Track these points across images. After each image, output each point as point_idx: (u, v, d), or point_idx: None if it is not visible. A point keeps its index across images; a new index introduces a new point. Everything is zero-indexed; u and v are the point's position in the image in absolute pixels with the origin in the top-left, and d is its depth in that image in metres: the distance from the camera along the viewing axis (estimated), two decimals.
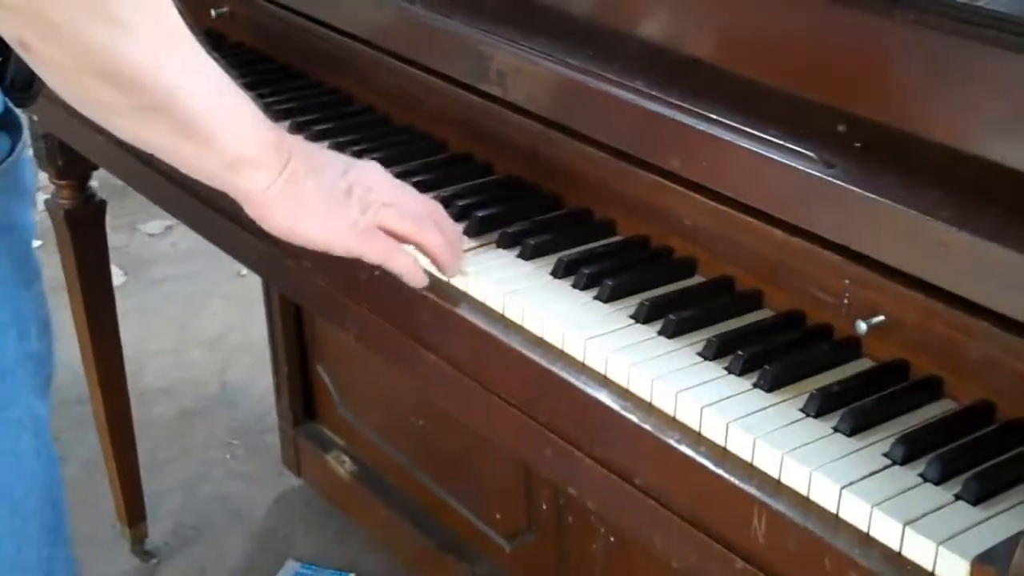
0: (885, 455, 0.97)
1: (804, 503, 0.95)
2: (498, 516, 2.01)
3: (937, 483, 0.93)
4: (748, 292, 1.18)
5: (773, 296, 1.16)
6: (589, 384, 1.09)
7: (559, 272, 1.22)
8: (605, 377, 1.10)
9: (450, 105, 1.44)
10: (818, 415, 1.01)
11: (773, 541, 0.96)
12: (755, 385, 1.05)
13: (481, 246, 1.27)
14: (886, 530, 0.90)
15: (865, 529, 0.91)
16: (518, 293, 1.18)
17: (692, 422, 1.03)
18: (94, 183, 2.08)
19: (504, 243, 1.27)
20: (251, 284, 3.08)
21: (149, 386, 2.91)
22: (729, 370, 1.07)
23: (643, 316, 1.14)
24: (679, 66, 1.24)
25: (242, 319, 3.16)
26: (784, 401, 1.03)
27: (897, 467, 0.95)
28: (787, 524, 0.94)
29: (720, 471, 0.99)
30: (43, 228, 1.87)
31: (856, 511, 0.92)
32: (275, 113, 1.39)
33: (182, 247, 3.54)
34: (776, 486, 0.97)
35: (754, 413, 1.01)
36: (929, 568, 0.87)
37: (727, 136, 1.12)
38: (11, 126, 1.12)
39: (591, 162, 1.28)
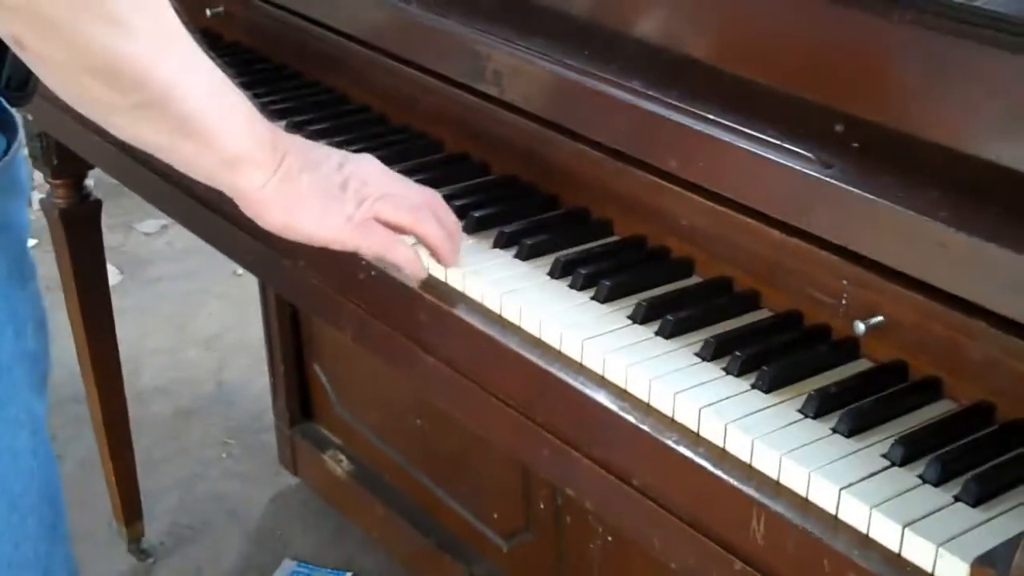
0: (884, 456, 0.96)
1: (803, 504, 0.95)
2: (495, 515, 2.01)
3: (936, 484, 0.93)
4: (746, 292, 1.17)
5: (771, 297, 1.16)
6: (587, 385, 1.09)
7: (556, 272, 1.21)
8: (603, 378, 1.09)
9: (446, 105, 1.43)
10: (816, 416, 1.01)
11: (772, 542, 0.95)
12: (753, 386, 1.05)
13: (477, 246, 1.27)
14: (885, 532, 0.90)
15: (864, 531, 0.91)
16: (515, 293, 1.18)
17: (690, 423, 1.03)
18: (89, 182, 2.08)
19: (501, 243, 1.26)
20: (247, 283, 3.08)
21: (145, 385, 2.91)
22: (727, 371, 1.07)
23: (640, 316, 1.14)
24: (676, 66, 1.24)
25: (238, 318, 3.16)
26: (782, 402, 1.03)
27: (896, 468, 0.95)
28: (786, 525, 0.94)
29: (719, 472, 0.99)
30: (38, 227, 1.87)
31: (855, 512, 0.92)
32: (271, 113, 1.39)
33: (178, 246, 3.53)
34: (775, 487, 0.97)
35: (752, 414, 1.01)
36: (929, 570, 0.87)
37: (724, 136, 1.12)
38: (7, 125, 1.12)
39: (588, 162, 1.28)
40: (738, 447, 0.99)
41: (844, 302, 1.08)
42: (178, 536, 2.46)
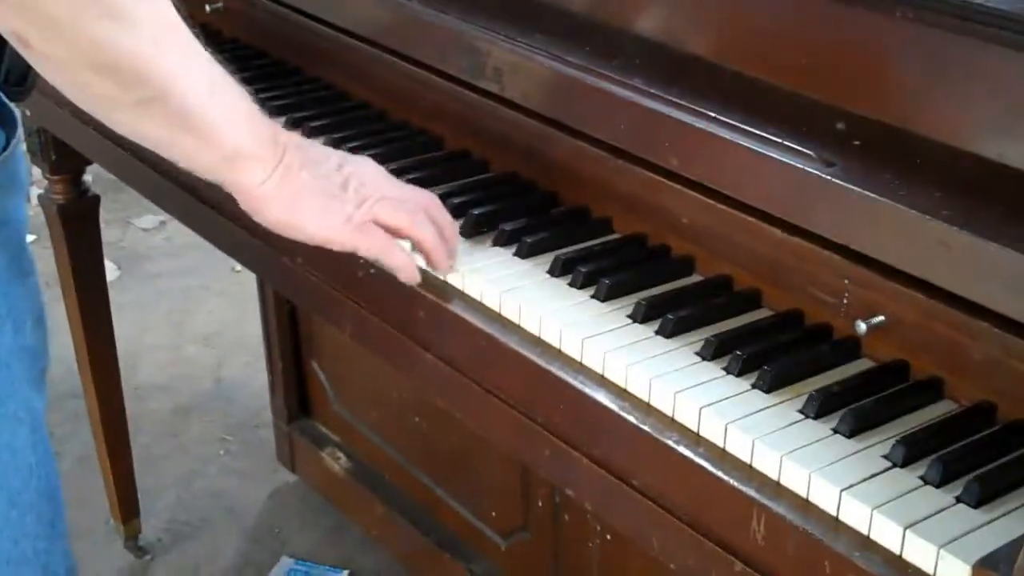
0: (885, 457, 0.96)
1: (804, 505, 0.94)
2: (494, 514, 2.01)
3: (938, 485, 0.93)
4: (746, 291, 1.17)
5: (772, 296, 1.15)
6: (587, 384, 1.09)
7: (556, 270, 1.21)
8: (603, 377, 1.09)
9: (446, 102, 1.43)
10: (817, 416, 1.00)
11: (772, 543, 0.95)
12: (754, 385, 1.04)
13: (477, 243, 1.26)
14: (887, 533, 0.89)
15: (866, 532, 0.91)
16: (515, 291, 1.18)
17: (691, 423, 1.02)
18: (88, 178, 2.08)
19: (501, 241, 1.26)
20: (246, 280, 3.07)
21: (143, 382, 2.91)
22: (728, 370, 1.06)
23: (641, 315, 1.13)
24: (677, 63, 1.24)
25: (237, 315, 3.16)
26: (783, 402, 1.03)
27: (897, 469, 0.95)
28: (787, 526, 0.94)
29: (719, 472, 0.98)
30: (36, 223, 1.87)
31: (856, 514, 0.91)
32: (271, 109, 1.39)
33: (176, 242, 3.53)
34: (775, 488, 0.96)
35: (753, 414, 1.01)
36: (930, 572, 0.87)
37: (725, 134, 1.11)
38: (6, 120, 1.13)
39: (589, 160, 1.27)
40: (738, 447, 0.99)
41: (845, 301, 1.08)
42: (176, 533, 2.46)
